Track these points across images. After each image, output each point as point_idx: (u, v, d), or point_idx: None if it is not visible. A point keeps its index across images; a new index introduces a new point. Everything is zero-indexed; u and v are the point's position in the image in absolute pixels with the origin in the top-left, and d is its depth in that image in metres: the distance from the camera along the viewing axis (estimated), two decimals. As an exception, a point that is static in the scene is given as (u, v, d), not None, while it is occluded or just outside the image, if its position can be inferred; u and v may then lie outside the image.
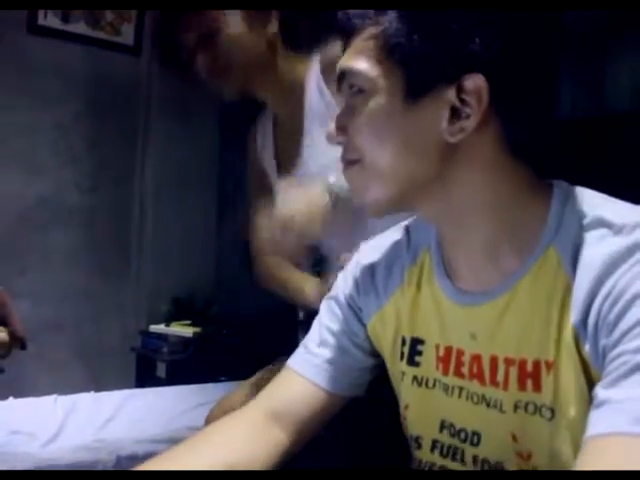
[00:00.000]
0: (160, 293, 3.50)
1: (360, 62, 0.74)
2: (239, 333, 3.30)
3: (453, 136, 0.72)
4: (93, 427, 2.13)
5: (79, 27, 3.25)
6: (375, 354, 0.94)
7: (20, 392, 2.49)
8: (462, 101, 0.71)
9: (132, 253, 3.52)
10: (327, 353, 0.93)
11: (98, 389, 2.54)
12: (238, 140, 3.57)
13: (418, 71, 0.71)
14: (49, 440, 2.00)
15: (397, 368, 0.90)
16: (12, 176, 3.17)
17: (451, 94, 0.71)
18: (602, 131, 1.95)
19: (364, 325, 0.93)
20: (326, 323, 0.95)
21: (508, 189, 0.76)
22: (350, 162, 0.78)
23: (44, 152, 3.27)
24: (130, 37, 3.41)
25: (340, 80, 0.78)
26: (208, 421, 1.58)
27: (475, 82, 0.70)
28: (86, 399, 2.40)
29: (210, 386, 2.64)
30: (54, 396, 2.38)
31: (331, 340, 0.94)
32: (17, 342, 2.65)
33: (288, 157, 1.48)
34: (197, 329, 3.27)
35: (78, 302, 3.31)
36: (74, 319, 3.29)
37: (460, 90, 0.71)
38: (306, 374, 0.93)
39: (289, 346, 1.01)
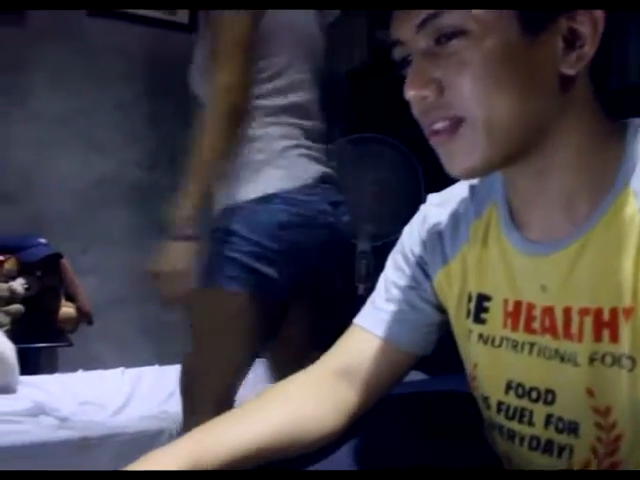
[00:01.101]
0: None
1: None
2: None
3: (572, 67, 0.68)
4: (157, 399, 2.18)
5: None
6: (443, 310, 0.90)
7: (88, 365, 2.57)
8: (573, 31, 0.68)
9: (192, 229, 3.56)
10: (395, 308, 0.90)
11: (161, 363, 2.60)
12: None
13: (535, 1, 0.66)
14: (117, 410, 2.07)
15: (463, 326, 0.86)
16: (75, 156, 3.24)
17: (565, 23, 0.67)
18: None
19: (431, 280, 0.90)
20: (392, 279, 0.92)
21: (594, 130, 0.72)
22: (450, 124, 0.70)
23: (105, 132, 3.32)
24: (185, 15, 3.44)
25: (419, 28, 0.69)
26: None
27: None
28: (151, 372, 2.46)
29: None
30: (121, 369, 2.45)
31: (398, 295, 0.91)
32: (84, 317, 2.74)
33: None
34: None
35: (140, 279, 3.37)
36: (137, 295, 3.36)
37: (573, 19, 0.67)
38: (374, 330, 0.90)
39: (349, 321, 0.98)
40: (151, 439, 1.81)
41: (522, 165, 0.73)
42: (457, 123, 0.70)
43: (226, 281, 1.43)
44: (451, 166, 0.73)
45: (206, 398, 1.45)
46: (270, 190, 1.44)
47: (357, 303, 0.95)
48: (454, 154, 0.71)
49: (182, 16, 3.42)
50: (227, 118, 1.45)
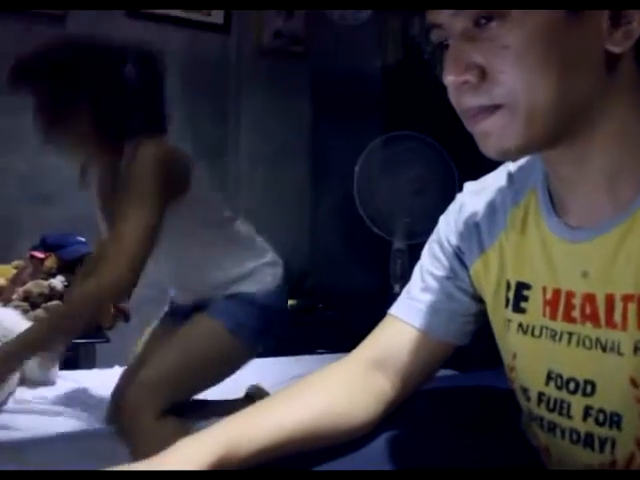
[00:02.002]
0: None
1: None
2: (335, 307, 3.32)
3: (618, 45, 0.66)
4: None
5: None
6: (480, 299, 0.89)
7: (124, 361, 2.60)
8: None
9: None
10: (431, 298, 0.89)
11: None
12: (331, 112, 3.63)
13: None
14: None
15: (501, 315, 0.84)
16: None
17: None
18: None
19: (467, 269, 0.88)
20: (429, 268, 0.91)
21: (638, 108, 0.70)
22: (490, 108, 0.68)
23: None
24: (220, 16, 3.47)
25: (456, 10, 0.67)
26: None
27: None
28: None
29: (307, 358, 2.66)
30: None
31: (435, 285, 0.89)
32: (121, 314, 2.77)
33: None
34: (293, 302, 3.31)
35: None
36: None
37: None
38: (410, 320, 0.89)
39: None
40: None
41: (563, 148, 0.71)
42: (497, 107, 0.68)
43: None
44: (485, 146, 0.71)
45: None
46: None
47: (392, 302, 0.94)
48: (490, 135, 0.69)
49: (217, 16, 3.46)
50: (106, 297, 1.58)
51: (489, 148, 0.70)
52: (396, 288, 2.95)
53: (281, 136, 3.66)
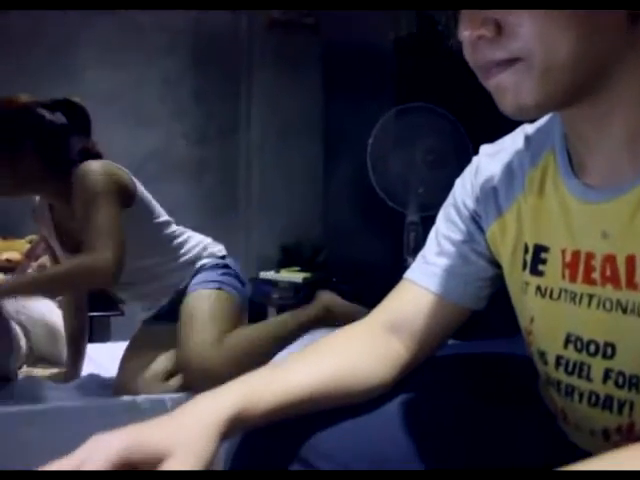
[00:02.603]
0: (268, 241, 3.57)
1: None
2: (349, 280, 3.32)
3: None
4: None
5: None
6: (497, 264, 0.87)
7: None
8: None
9: (240, 202, 3.59)
10: (447, 262, 0.88)
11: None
12: (343, 88, 3.60)
13: None
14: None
15: (519, 278, 0.83)
16: (124, 130, 3.28)
17: None
18: None
19: (484, 232, 0.87)
20: (444, 232, 0.90)
21: None
22: (506, 62, 0.66)
23: (153, 106, 3.36)
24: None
25: None
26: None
27: None
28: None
29: (322, 331, 2.66)
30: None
31: (451, 249, 0.88)
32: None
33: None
34: (307, 275, 3.31)
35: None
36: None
37: None
38: (425, 283, 0.88)
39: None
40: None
41: (583, 107, 0.69)
42: (513, 62, 0.66)
43: None
44: (503, 103, 0.69)
45: None
46: None
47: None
48: (507, 91, 0.68)
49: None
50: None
51: (506, 105, 0.69)
52: (409, 261, 2.94)
53: (293, 110, 3.64)
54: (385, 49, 3.42)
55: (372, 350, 0.86)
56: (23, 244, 2.87)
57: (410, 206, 3.50)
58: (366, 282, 3.16)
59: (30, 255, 2.69)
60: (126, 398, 1.68)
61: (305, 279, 3.30)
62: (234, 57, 3.57)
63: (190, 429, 0.67)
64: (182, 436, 0.66)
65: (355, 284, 3.25)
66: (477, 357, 0.98)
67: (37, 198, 1.93)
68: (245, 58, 3.60)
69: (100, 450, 0.62)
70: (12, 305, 2.04)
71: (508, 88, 0.67)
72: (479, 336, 1.37)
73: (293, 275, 3.33)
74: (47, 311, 2.13)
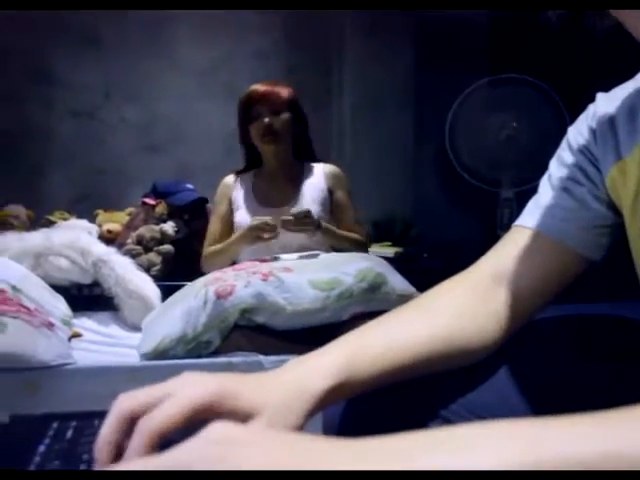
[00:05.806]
0: (360, 215, 3.56)
1: None
2: (440, 255, 3.29)
3: None
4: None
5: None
6: (616, 210, 0.80)
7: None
8: None
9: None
10: (562, 205, 0.80)
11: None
12: (434, 61, 3.54)
13: None
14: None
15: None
16: (216, 105, 3.33)
17: None
18: None
19: (602, 175, 0.79)
20: (559, 177, 0.82)
21: None
22: None
23: (244, 81, 3.39)
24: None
25: None
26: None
27: None
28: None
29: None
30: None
31: (566, 194, 0.81)
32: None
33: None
34: (398, 249, 3.30)
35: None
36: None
37: None
38: (539, 227, 0.80)
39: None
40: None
41: None
42: None
43: None
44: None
45: None
46: None
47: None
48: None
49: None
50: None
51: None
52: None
53: (384, 85, 3.60)
54: (478, 21, 3.35)
55: (479, 304, 0.79)
56: (123, 216, 2.97)
57: (504, 183, 3.42)
58: (457, 257, 3.12)
59: (130, 226, 2.78)
60: (222, 358, 1.68)
61: (397, 253, 3.28)
62: (325, 30, 3.56)
63: (287, 392, 0.62)
64: (277, 397, 0.61)
65: (446, 259, 3.21)
66: (589, 318, 0.88)
67: None
68: (337, 31, 3.58)
69: (191, 388, 0.56)
70: (112, 278, 2.12)
71: None
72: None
73: (385, 250, 3.31)
74: (141, 284, 2.19)
